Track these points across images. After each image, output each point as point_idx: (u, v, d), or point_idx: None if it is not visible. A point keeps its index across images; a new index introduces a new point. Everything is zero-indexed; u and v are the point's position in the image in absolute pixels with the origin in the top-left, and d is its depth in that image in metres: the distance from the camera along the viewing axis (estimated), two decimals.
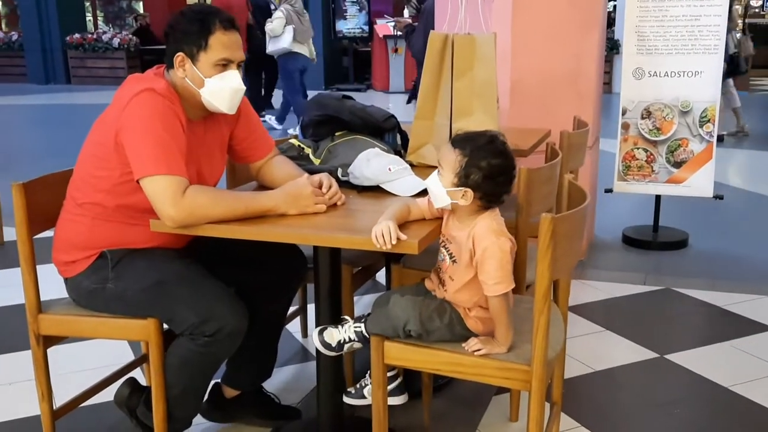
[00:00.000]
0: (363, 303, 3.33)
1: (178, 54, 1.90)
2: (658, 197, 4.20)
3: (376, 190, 2.09)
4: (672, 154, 4.03)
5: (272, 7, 8.37)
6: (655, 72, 3.95)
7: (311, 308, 2.75)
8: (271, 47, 7.93)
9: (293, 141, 2.36)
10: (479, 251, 1.71)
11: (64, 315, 2.01)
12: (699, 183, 4.02)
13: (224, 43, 1.90)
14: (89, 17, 17.45)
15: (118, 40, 14.28)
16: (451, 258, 1.81)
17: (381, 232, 1.62)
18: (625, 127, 4.06)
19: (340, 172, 2.19)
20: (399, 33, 8.06)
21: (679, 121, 3.97)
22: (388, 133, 2.47)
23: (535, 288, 1.67)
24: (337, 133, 2.37)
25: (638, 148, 4.06)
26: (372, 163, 2.11)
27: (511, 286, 1.71)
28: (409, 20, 5.56)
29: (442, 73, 2.42)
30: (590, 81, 3.74)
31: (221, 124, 2.08)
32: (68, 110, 10.81)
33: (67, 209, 2.00)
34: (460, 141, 1.75)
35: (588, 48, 3.69)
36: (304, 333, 2.98)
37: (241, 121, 2.11)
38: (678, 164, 4.03)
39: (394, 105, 10.92)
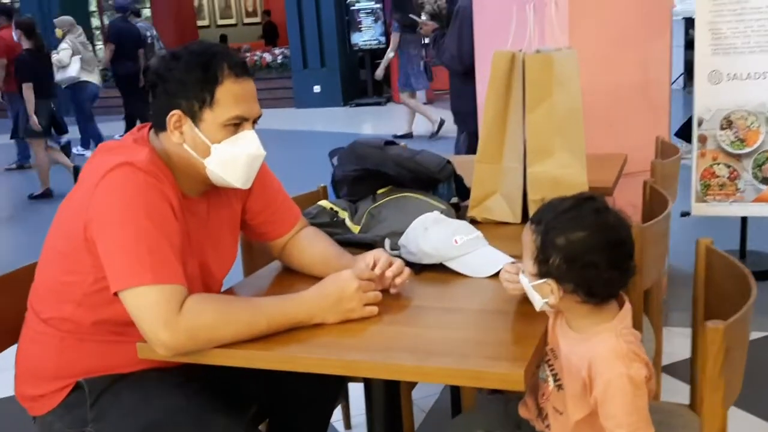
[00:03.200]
0: None
1: (173, 112, 1.39)
2: (744, 219, 3.61)
3: (439, 270, 1.56)
4: (760, 168, 3.44)
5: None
6: (736, 74, 3.37)
7: (353, 390, 2.23)
8: (59, 76, 8.21)
9: (324, 203, 1.84)
10: (600, 385, 1.17)
11: None
12: None
13: (237, 96, 1.39)
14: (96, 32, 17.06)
15: None
16: (555, 381, 1.27)
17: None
18: (702, 140, 3.48)
19: (388, 244, 1.66)
20: (425, 40, 7.54)
21: (767, 130, 3.39)
22: (442, 183, 1.94)
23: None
24: (379, 191, 1.85)
25: (718, 164, 3.48)
26: (431, 233, 1.58)
27: None
28: (435, 24, 5.02)
29: (509, 103, 1.88)
30: (663, 91, 3.19)
31: (230, 197, 1.56)
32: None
33: (30, 325, 1.49)
34: (536, 213, 1.26)
35: (658, 54, 3.14)
36: (347, 424, 2.45)
37: (255, 190, 1.58)
38: (767, 180, 3.45)
39: (417, 118, 10.38)
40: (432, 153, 1.93)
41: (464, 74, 3.82)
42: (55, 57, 8.04)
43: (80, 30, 8.56)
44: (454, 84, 4.13)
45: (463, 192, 2.04)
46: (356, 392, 2.15)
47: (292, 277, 1.63)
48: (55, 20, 8.88)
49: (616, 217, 1.24)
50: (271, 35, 15.94)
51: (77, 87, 8.34)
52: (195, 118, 1.39)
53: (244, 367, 1.30)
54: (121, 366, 1.45)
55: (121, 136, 8.36)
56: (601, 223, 1.21)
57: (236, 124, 1.41)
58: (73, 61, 8.19)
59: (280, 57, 13.16)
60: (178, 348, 1.26)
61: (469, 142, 3.81)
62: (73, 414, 1.44)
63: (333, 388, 1.73)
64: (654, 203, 1.98)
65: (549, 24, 2.09)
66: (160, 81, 1.40)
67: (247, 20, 17.29)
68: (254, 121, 1.45)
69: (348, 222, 1.81)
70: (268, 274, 1.69)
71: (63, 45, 8.25)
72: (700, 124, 3.49)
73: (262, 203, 1.62)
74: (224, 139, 1.40)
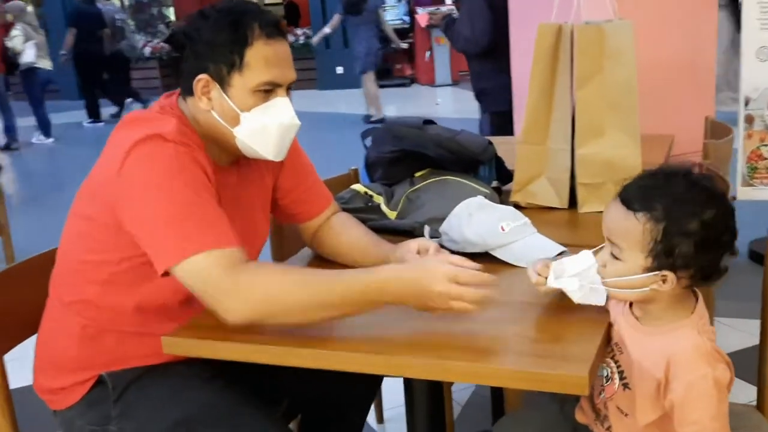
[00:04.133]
0: None
1: (200, 76, 1.28)
2: None
3: (484, 259, 1.45)
4: None
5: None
6: None
7: (386, 383, 2.14)
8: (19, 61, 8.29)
9: (357, 187, 1.73)
10: (679, 387, 1.05)
11: None
12: None
13: (269, 59, 1.28)
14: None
15: (150, 48, 13.79)
16: (621, 378, 1.16)
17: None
18: (749, 120, 3.31)
19: (428, 231, 1.55)
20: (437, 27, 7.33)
21: None
22: (483, 165, 1.83)
23: None
24: (417, 174, 1.73)
25: (766, 146, 3.32)
26: (475, 219, 1.47)
27: None
28: (446, 10, 4.79)
29: (556, 79, 1.75)
30: (709, 69, 3.04)
31: (261, 169, 1.46)
32: (106, 129, 10.34)
33: (51, 313, 1.41)
34: (640, 197, 1.08)
35: (705, 29, 2.99)
36: (380, 418, 2.35)
37: (287, 166, 1.48)
38: None
39: (443, 99, 10.24)
40: (472, 133, 1.81)
41: (482, 54, 3.64)
42: (8, 43, 8.15)
43: (32, 14, 8.59)
44: (473, 66, 3.91)
45: (504, 175, 1.92)
46: (389, 385, 2.05)
47: (324, 266, 1.52)
48: (5, 5, 8.80)
49: (718, 186, 1.11)
50: (293, 16, 15.75)
51: (30, 72, 8.29)
52: (223, 83, 1.28)
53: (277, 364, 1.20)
54: (146, 358, 1.36)
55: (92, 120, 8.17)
56: (718, 193, 1.08)
57: (268, 91, 1.29)
58: (28, 46, 8.16)
59: (302, 37, 13.02)
60: (249, 313, 1.14)
61: (492, 122, 3.65)
62: (96, 409, 1.36)
63: (370, 385, 1.63)
64: None
65: None
66: (187, 41, 1.29)
67: (268, 0, 17.13)
68: (288, 88, 1.34)
69: (383, 207, 1.70)
70: (298, 262, 1.59)
71: (15, 32, 8.22)
72: (746, 103, 3.31)
73: (293, 181, 1.51)
74: (254, 107, 1.29)
